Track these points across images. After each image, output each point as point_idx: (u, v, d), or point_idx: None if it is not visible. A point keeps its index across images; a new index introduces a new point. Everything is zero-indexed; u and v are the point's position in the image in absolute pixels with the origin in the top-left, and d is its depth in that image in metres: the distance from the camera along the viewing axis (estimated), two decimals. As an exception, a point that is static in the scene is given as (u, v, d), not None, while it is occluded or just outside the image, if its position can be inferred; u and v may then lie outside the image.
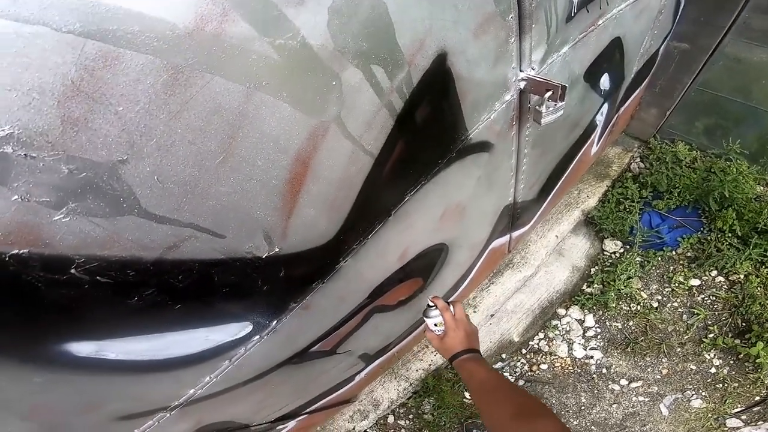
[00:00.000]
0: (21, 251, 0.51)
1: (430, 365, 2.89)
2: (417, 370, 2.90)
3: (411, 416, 2.89)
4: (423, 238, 1.43)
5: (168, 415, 1.14)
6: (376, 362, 2.33)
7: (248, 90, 0.61)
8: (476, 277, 2.60)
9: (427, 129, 1.06)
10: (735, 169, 2.59)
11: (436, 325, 1.20)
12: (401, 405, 2.94)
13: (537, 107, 1.28)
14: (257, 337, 1.01)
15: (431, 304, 1.23)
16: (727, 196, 2.52)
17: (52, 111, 0.47)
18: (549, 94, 1.20)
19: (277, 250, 0.82)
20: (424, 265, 1.63)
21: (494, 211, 1.94)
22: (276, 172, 0.73)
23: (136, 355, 0.79)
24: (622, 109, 2.75)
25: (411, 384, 2.88)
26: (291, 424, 2.10)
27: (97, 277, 0.60)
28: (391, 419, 2.94)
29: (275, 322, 1.01)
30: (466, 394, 2.79)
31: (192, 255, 0.70)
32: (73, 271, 0.57)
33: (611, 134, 3.04)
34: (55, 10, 0.42)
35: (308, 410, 2.09)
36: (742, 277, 2.49)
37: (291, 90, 0.66)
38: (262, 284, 0.86)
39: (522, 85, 1.30)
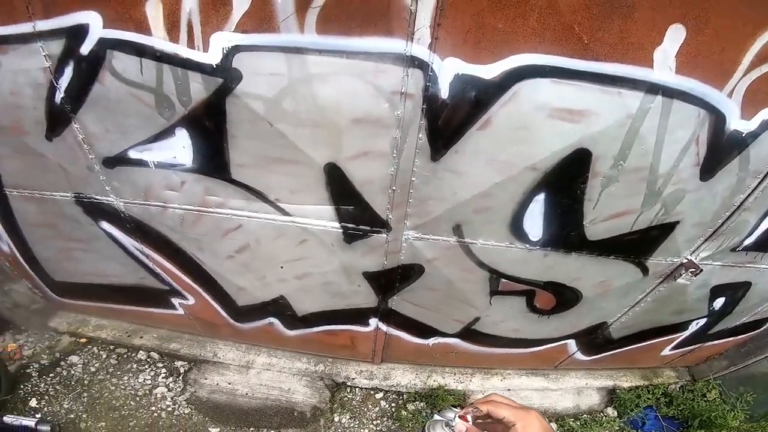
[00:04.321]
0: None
1: (444, 385, 3.82)
2: (434, 381, 3.85)
3: (394, 405, 3.79)
4: (586, 281, 2.66)
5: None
6: (452, 340, 3.39)
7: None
8: (538, 355, 3.64)
9: (646, 241, 2.37)
10: (731, 414, 3.57)
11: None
12: (397, 393, 3.83)
13: (681, 272, 2.53)
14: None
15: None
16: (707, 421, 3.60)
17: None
18: (692, 269, 2.45)
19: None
20: (567, 297, 2.81)
21: (605, 314, 3.09)
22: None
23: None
24: (708, 344, 3.76)
25: (423, 386, 3.79)
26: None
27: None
28: (379, 395, 3.82)
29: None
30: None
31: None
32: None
33: (683, 357, 4.07)
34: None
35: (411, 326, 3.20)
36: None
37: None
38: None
39: (685, 261, 2.55)
